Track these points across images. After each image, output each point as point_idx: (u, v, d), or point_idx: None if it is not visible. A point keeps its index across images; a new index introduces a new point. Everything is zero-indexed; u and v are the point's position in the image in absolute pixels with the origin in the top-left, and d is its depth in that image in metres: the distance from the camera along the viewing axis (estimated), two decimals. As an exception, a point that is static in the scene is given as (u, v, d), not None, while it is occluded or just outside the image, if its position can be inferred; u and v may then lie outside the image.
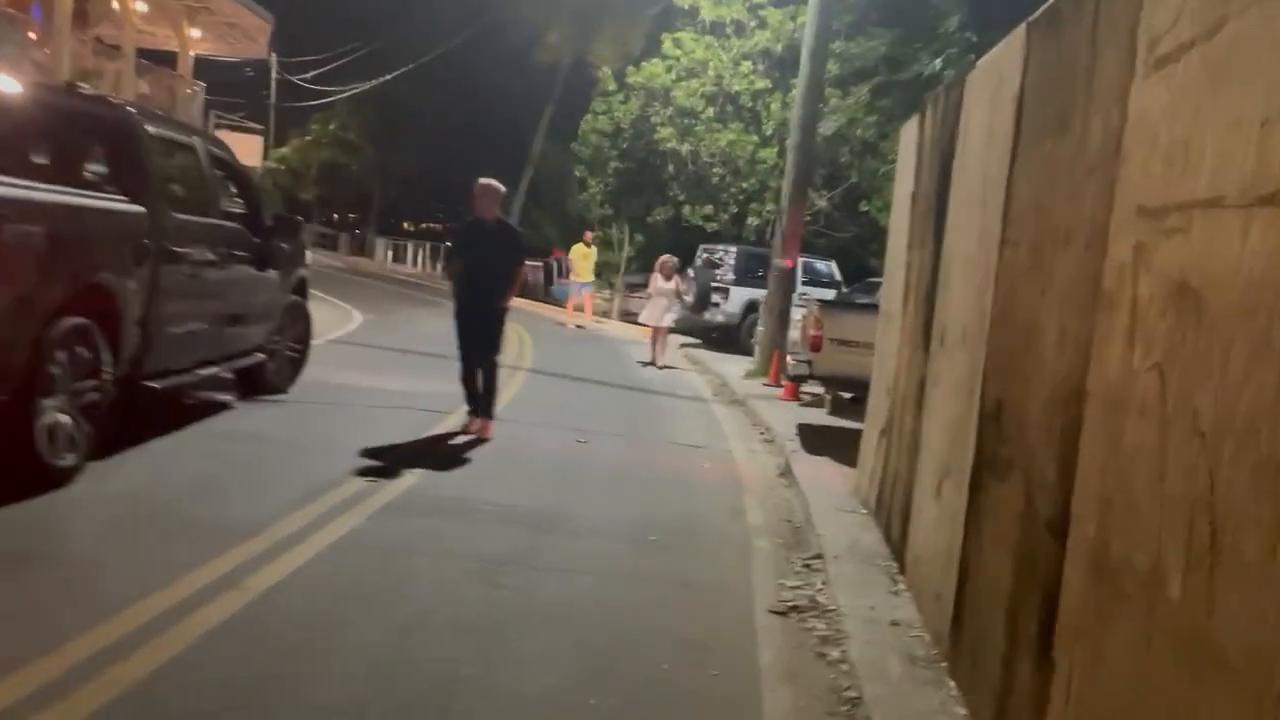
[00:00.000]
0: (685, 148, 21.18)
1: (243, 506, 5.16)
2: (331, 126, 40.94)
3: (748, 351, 16.33)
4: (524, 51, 29.47)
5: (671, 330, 15.18)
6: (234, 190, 7.55)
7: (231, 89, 49.66)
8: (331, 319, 16.22)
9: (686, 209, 21.86)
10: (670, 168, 21.92)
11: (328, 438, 7.17)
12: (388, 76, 34.25)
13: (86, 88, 6.01)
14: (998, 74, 4.43)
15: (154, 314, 5.75)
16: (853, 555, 5.58)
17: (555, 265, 33.17)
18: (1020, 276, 3.72)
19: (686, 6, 21.21)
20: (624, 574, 4.95)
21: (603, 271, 25.26)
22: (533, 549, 5.12)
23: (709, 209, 21.42)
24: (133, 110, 5.91)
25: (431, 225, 64.44)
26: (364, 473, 6.21)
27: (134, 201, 5.61)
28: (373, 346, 12.96)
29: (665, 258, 14.92)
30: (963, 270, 4.73)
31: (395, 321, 16.98)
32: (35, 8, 20.36)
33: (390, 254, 38.24)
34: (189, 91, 23.33)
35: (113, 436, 5.75)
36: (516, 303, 26.66)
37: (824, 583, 5.21)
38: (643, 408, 10.87)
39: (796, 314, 14.54)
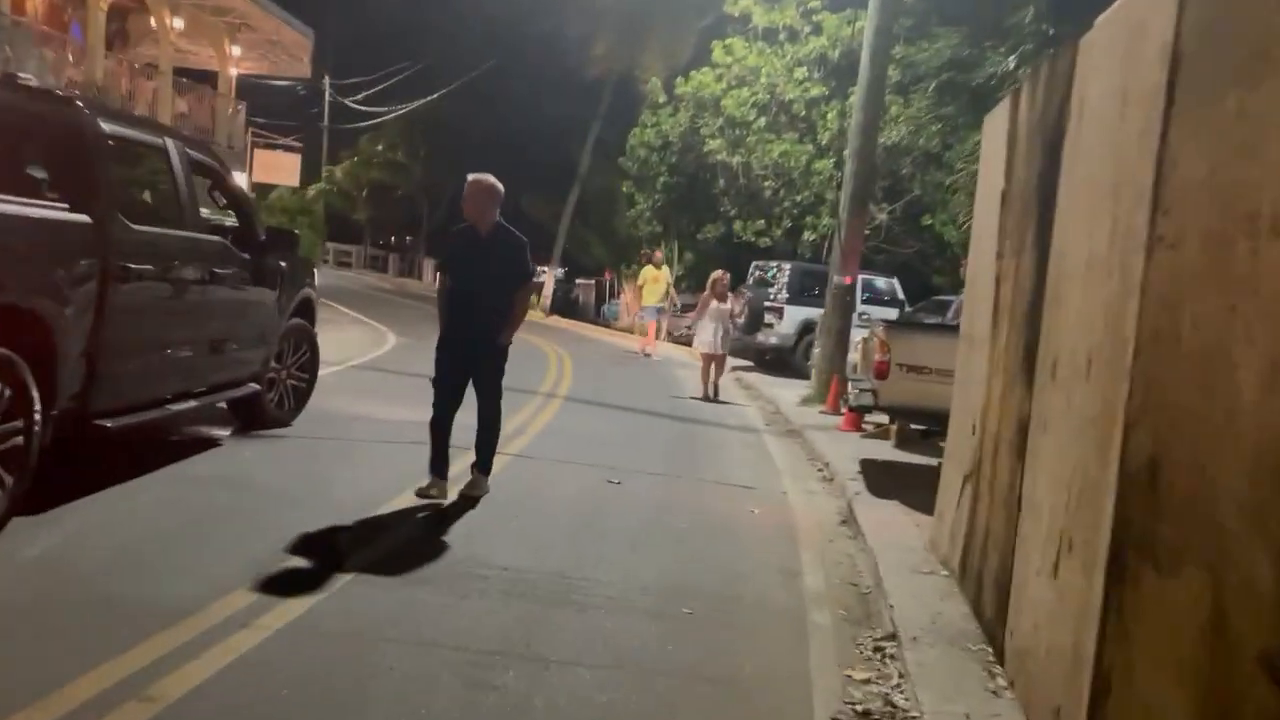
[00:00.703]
0: (736, 160, 20.18)
1: (183, 578, 4.25)
2: (379, 147, 40.70)
3: (803, 375, 15.27)
4: (571, 67, 28.76)
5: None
6: (221, 201, 6.73)
7: (285, 112, 50.10)
8: (363, 341, 15.49)
9: (738, 224, 20.85)
10: (721, 181, 20.95)
11: (319, 481, 6.27)
12: (433, 96, 33.84)
13: (30, 79, 5.22)
14: (1134, 24, 3.37)
15: (103, 342, 4.90)
16: (936, 635, 4.51)
17: (607, 286, 32.42)
18: (1188, 284, 2.66)
19: (737, 14, 20.28)
20: (646, 666, 3.94)
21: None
22: (537, 631, 4.13)
23: (761, 224, 20.38)
24: (83, 105, 5.08)
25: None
26: (347, 527, 5.30)
27: (78, 210, 4.77)
28: (399, 372, 12.12)
29: (719, 274, 13.37)
30: (1084, 279, 3.66)
31: (430, 345, 16.11)
32: (75, 26, 20.12)
33: (437, 275, 37.64)
34: (231, 110, 22.96)
35: (56, 485, 4.91)
36: (564, 323, 25.72)
37: (901, 675, 4.15)
38: (687, 440, 9.86)
39: (856, 335, 13.49)
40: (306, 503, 5.64)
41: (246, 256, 6.57)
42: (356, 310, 21.30)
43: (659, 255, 18.88)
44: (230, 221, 6.72)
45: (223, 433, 7.31)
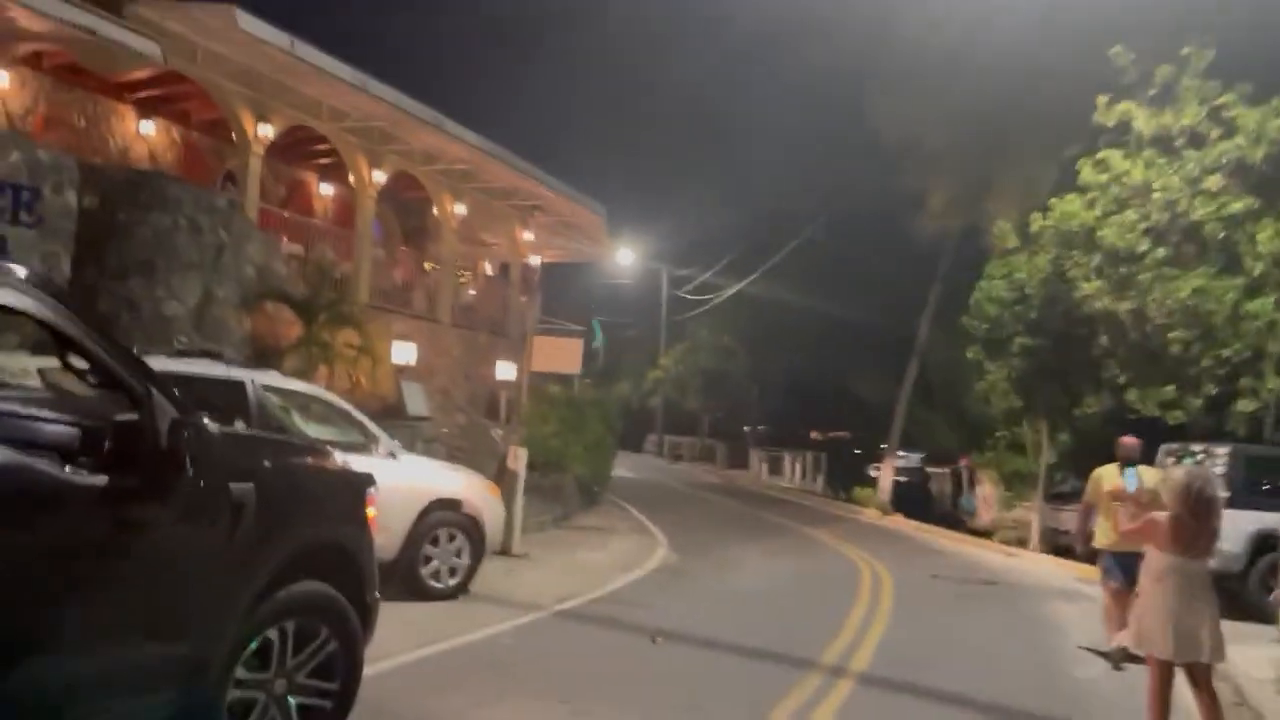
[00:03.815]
0: (1124, 306, 14.92)
1: None
2: (704, 333, 38.92)
3: (1264, 618, 9.68)
4: (905, 227, 24.94)
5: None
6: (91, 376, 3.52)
7: (616, 304, 50.65)
8: (618, 561, 11.99)
9: (1132, 394, 15.36)
10: (1103, 338, 15.70)
11: None
12: (753, 276, 31.37)
13: None
14: None
15: None
16: None
17: (965, 474, 27.30)
18: None
19: (1112, 123, 15.56)
20: None
21: (1012, 484, 19.03)
22: None
23: (1170, 391, 14.74)
24: None
25: (838, 434, 59.82)
26: None
27: None
28: (615, 623, 8.32)
29: (1183, 477, 5.73)
30: None
31: (706, 567, 12.31)
32: (375, 224, 19.65)
33: (765, 466, 34.15)
34: (523, 299, 21.50)
35: None
36: (905, 526, 20.54)
37: None
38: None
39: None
40: None
41: (104, 479, 3.25)
42: (648, 512, 18.05)
43: (1129, 442, 9.09)
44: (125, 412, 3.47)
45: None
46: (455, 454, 15.35)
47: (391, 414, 13.32)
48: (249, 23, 11.88)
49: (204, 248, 11.54)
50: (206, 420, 3.70)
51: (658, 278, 45.12)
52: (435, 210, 18.68)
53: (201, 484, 3.66)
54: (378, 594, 4.77)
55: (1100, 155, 15.50)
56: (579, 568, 11.25)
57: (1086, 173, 15.64)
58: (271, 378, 7.75)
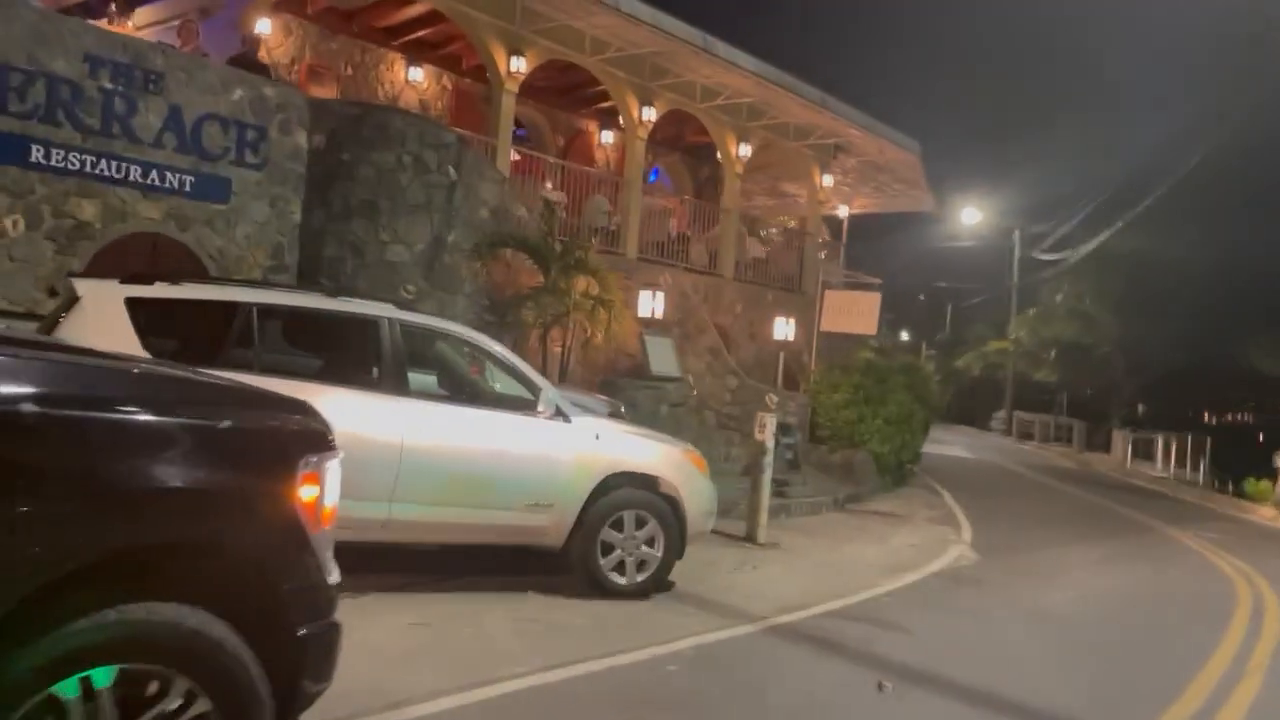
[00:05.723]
0: None
1: None
2: (1058, 298, 34.04)
3: None
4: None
5: None
6: None
7: (968, 271, 46.43)
8: (892, 556, 9.69)
9: None
10: None
11: None
12: (1116, 226, 26.47)
13: None
14: None
15: None
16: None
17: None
18: None
19: None
20: None
21: None
22: None
23: None
24: None
25: (1236, 417, 51.18)
26: None
27: None
28: (850, 655, 6.08)
29: None
30: None
31: (1009, 574, 9.55)
32: (655, 170, 18.41)
33: (1131, 449, 29.02)
34: (823, 255, 19.16)
35: None
36: (1244, 517, 15.31)
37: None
38: None
39: None
40: None
41: None
42: (965, 498, 15.21)
43: None
44: None
45: None
46: (725, 421, 13.60)
47: (636, 373, 11.80)
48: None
49: (431, 188, 10.59)
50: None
51: (1004, 235, 40.44)
52: (719, 155, 16.89)
53: None
54: (333, 620, 3.07)
55: None
56: (837, 565, 9.06)
57: None
58: (404, 315, 6.37)
